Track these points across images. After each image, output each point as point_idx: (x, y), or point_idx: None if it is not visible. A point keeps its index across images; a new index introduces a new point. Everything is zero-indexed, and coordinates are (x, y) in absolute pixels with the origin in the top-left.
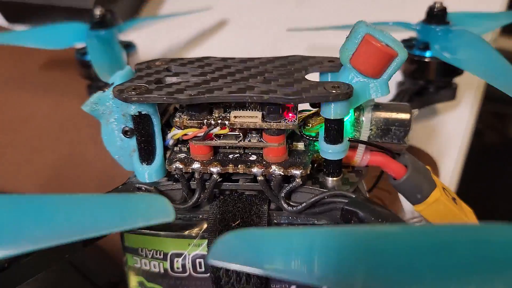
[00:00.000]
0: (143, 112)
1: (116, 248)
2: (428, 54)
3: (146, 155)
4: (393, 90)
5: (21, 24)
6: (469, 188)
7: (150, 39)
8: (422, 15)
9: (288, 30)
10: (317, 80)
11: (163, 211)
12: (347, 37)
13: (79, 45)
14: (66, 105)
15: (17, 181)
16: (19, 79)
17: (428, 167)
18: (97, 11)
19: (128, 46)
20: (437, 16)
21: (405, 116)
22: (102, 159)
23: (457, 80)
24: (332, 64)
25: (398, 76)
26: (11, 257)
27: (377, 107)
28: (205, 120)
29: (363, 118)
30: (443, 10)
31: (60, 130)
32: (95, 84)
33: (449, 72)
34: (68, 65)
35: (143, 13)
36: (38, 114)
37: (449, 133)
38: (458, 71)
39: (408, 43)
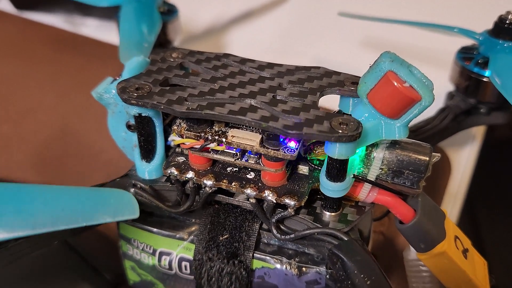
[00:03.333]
0: (143, 114)
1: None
2: (487, 73)
3: (146, 153)
4: (439, 103)
5: (29, 11)
6: (481, 184)
7: (194, 5)
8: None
9: (340, 14)
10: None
11: (130, 208)
12: (370, 67)
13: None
14: (73, 95)
15: (22, 173)
16: (26, 70)
17: (444, 210)
18: None
19: (170, 12)
20: (507, 29)
21: (422, 160)
22: (108, 150)
23: None
24: (354, 88)
25: (448, 86)
26: None
27: (393, 145)
28: (203, 133)
29: (375, 155)
30: None
31: (66, 121)
32: None
33: None
34: (75, 56)
35: None
36: (44, 105)
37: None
38: None
39: (468, 54)
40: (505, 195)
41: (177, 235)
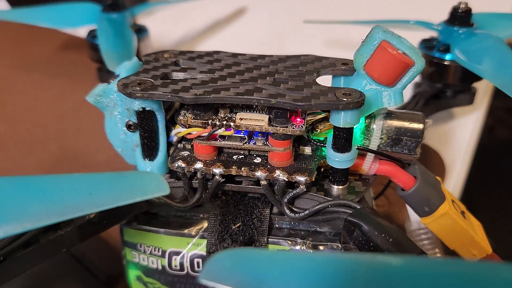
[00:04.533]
0: (147, 108)
1: (117, 242)
2: (448, 57)
3: (149, 151)
4: (409, 92)
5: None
6: (476, 188)
7: (164, 24)
8: (445, 15)
9: (305, 22)
10: (330, 82)
11: (158, 185)
12: (362, 42)
13: (91, 27)
14: (69, 95)
15: (18, 172)
16: (22, 70)
17: (438, 178)
18: None
19: (140, 31)
20: (460, 17)
21: (417, 126)
22: (104, 150)
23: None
24: (346, 68)
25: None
26: (11, 241)
27: (389, 115)
28: (210, 120)
29: (374, 126)
30: (468, 11)
31: (63, 121)
32: (105, 68)
33: (469, 76)
34: (71, 57)
35: None
36: (40, 105)
37: (457, 131)
38: (478, 76)
39: (428, 44)
40: (499, 198)
41: (186, 232)
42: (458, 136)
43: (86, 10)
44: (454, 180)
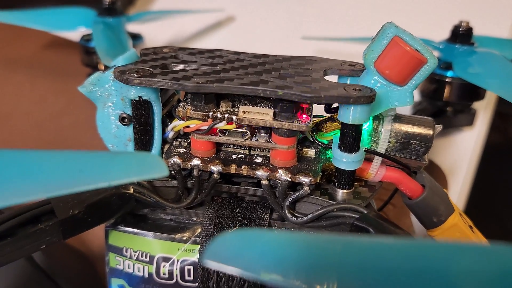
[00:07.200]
0: (143, 98)
1: (92, 253)
2: (449, 74)
3: (143, 146)
4: (408, 110)
5: (3, 10)
6: (478, 203)
7: (156, 29)
8: (446, 34)
9: (303, 38)
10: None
11: (156, 166)
12: (373, 38)
13: (85, 30)
14: (49, 102)
15: None
16: (3, 73)
17: (445, 190)
18: None
19: (135, 37)
20: (462, 35)
21: (427, 131)
22: None
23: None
24: (353, 68)
25: (415, 96)
26: None
27: (398, 118)
28: (211, 113)
29: (382, 129)
30: (469, 30)
31: (40, 129)
32: None
33: (470, 95)
34: (55, 59)
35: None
36: (19, 111)
37: (459, 145)
38: (478, 95)
39: None
40: (505, 212)
41: (177, 237)
42: (461, 150)
43: (81, 14)
44: (457, 195)
